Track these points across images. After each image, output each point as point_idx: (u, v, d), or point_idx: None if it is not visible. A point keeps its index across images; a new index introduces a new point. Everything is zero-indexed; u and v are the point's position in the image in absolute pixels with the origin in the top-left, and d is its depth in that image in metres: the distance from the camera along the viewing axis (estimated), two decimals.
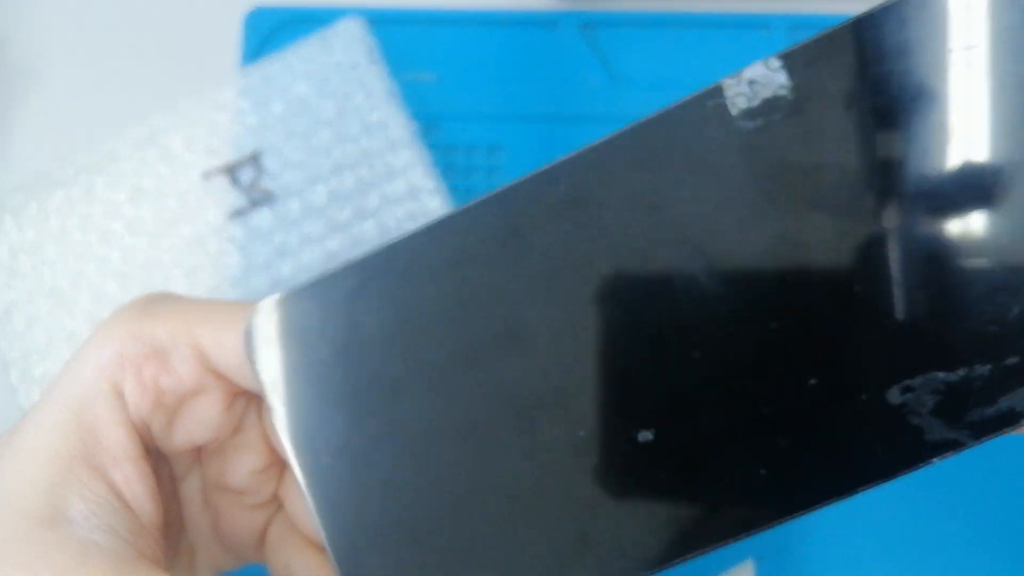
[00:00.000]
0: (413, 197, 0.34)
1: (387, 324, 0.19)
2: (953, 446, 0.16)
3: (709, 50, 0.35)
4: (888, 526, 0.32)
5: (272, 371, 0.19)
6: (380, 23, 0.35)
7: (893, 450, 0.16)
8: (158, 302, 0.20)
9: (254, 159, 0.34)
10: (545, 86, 0.35)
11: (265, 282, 0.33)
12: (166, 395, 0.20)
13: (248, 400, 0.22)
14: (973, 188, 0.16)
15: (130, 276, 0.34)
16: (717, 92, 0.17)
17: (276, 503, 0.22)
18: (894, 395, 0.16)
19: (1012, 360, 0.16)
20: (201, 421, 0.20)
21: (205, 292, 0.34)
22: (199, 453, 0.22)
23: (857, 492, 0.16)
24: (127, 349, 0.19)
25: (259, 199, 0.34)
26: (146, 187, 0.34)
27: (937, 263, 0.16)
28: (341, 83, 0.34)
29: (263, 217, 0.34)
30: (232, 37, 0.36)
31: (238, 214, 0.34)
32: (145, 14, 0.37)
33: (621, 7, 0.36)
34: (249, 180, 0.34)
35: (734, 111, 0.17)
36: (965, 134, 0.16)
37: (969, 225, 0.16)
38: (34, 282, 0.34)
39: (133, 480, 0.19)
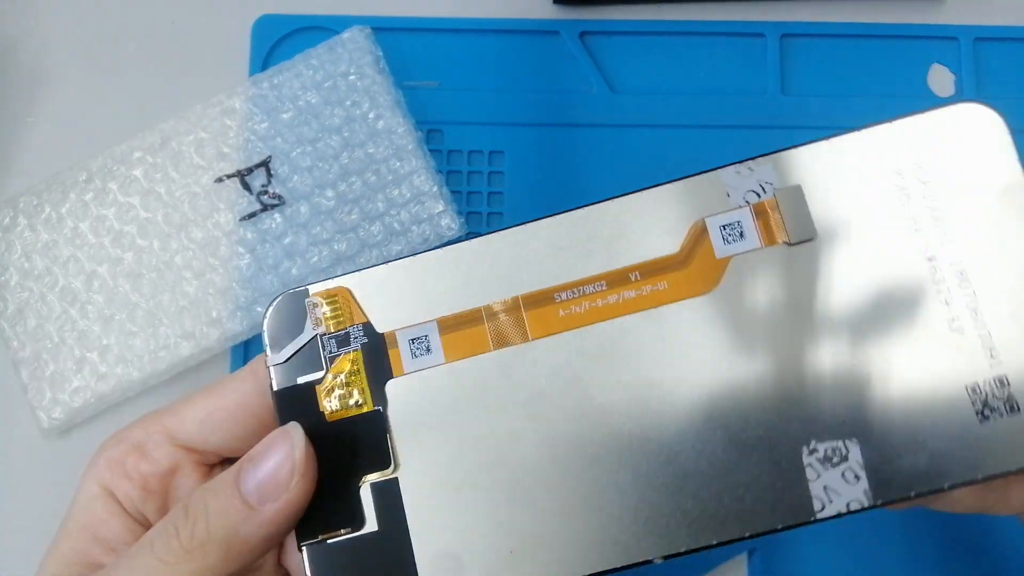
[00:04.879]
0: (417, 201, 0.34)
1: None
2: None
3: (704, 58, 0.36)
4: (878, 521, 0.32)
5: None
6: (385, 32, 0.36)
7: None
8: (141, 417, 0.23)
9: (264, 164, 0.35)
10: (545, 93, 0.36)
11: (274, 282, 0.34)
12: (150, 480, 0.22)
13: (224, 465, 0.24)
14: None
15: (143, 277, 0.34)
16: None
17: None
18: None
19: None
20: (184, 497, 0.23)
21: (216, 293, 0.34)
22: None
23: None
24: (111, 453, 0.22)
25: (269, 203, 0.35)
26: (158, 191, 0.35)
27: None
28: (348, 91, 0.35)
29: (273, 220, 0.34)
30: (241, 44, 0.37)
31: (248, 217, 0.35)
32: (155, 20, 0.37)
33: (618, 16, 0.37)
34: (259, 185, 0.35)
35: None
36: None
37: None
38: (47, 283, 0.35)
39: None
